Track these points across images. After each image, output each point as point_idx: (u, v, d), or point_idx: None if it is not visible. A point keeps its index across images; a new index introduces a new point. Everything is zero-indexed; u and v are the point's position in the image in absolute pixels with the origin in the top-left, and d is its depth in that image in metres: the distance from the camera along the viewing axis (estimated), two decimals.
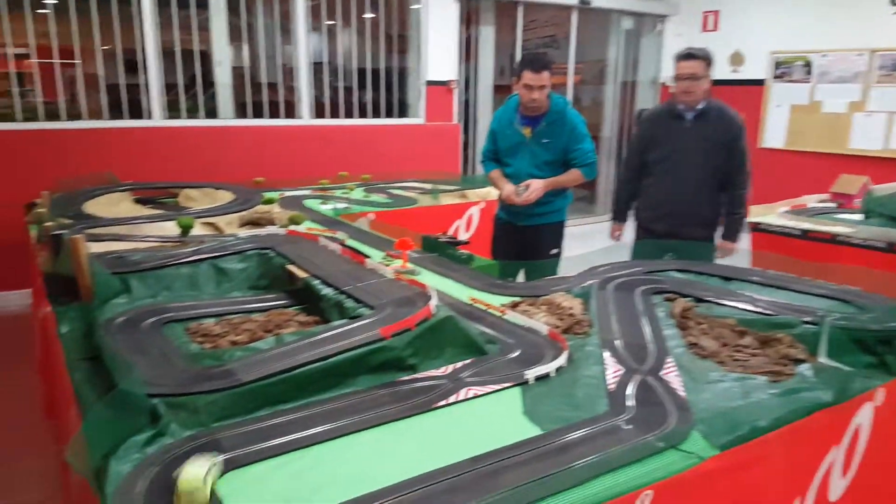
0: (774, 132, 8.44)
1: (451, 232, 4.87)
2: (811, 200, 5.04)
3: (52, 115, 5.64)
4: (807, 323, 2.14)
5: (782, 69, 8.28)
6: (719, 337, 2.11)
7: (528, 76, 3.63)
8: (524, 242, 4.03)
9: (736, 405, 1.66)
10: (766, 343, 2.07)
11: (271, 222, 3.59)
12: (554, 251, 4.01)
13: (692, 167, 3.78)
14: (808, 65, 8.03)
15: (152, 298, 2.42)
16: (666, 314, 2.31)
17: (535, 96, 3.65)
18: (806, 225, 4.27)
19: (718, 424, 1.55)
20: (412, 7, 7.27)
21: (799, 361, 1.95)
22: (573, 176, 3.81)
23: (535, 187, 3.72)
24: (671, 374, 1.81)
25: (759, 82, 8.47)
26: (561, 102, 3.79)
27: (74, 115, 5.75)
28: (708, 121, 3.74)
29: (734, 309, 2.33)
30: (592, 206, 9.65)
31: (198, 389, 1.58)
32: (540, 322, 2.15)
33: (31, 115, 5.56)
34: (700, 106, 3.74)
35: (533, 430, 1.52)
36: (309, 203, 4.47)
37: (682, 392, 1.71)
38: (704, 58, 3.68)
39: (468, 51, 7.77)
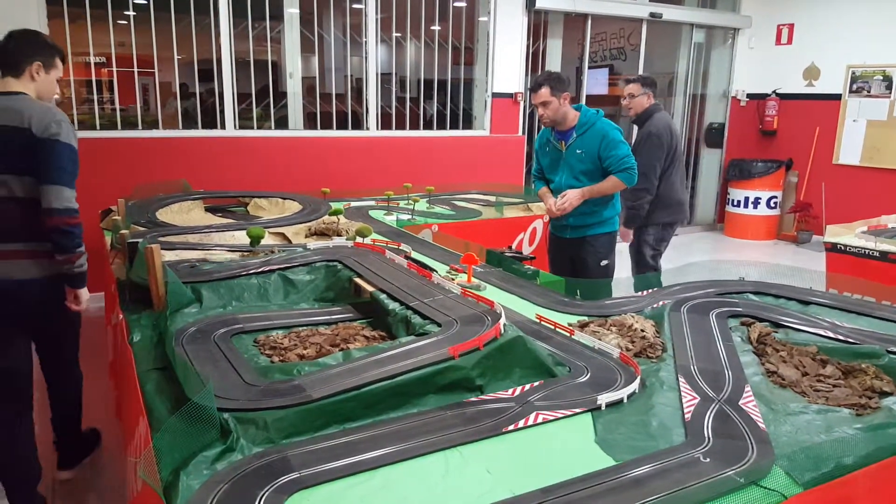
0: (850, 148, 8.17)
1: (514, 245, 4.83)
2: (890, 220, 4.83)
3: (129, 123, 5.80)
4: (892, 353, 2.04)
5: (860, 83, 8.00)
6: (799, 365, 2.02)
7: (531, 97, 3.89)
8: (572, 255, 4.06)
9: (819, 439, 1.58)
10: (849, 373, 1.98)
11: (338, 233, 3.62)
12: (604, 263, 3.99)
13: None
14: (887, 79, 7.75)
15: (223, 308, 2.44)
16: (742, 339, 2.23)
17: (540, 112, 3.86)
18: (885, 246, 4.08)
19: (801, 460, 1.47)
20: (480, 19, 7.27)
21: (885, 394, 1.86)
22: (611, 183, 3.81)
23: (570, 197, 3.78)
24: (750, 404, 1.74)
25: (836, 97, 8.21)
26: (590, 113, 3.88)
27: (150, 122, 5.90)
28: (639, 128, 4.63)
29: (814, 336, 2.24)
30: None
31: (268, 405, 1.57)
32: (611, 344, 2.10)
33: (107, 123, 5.72)
34: (633, 118, 4.68)
35: (606, 460, 1.48)
36: (374, 213, 4.51)
37: (761, 423, 1.64)
38: (639, 81, 4.61)
39: (534, 62, 7.73)
